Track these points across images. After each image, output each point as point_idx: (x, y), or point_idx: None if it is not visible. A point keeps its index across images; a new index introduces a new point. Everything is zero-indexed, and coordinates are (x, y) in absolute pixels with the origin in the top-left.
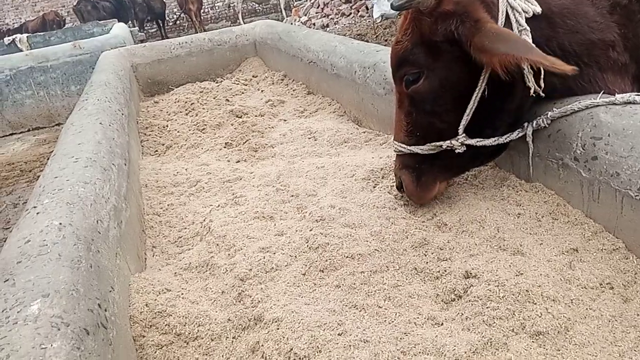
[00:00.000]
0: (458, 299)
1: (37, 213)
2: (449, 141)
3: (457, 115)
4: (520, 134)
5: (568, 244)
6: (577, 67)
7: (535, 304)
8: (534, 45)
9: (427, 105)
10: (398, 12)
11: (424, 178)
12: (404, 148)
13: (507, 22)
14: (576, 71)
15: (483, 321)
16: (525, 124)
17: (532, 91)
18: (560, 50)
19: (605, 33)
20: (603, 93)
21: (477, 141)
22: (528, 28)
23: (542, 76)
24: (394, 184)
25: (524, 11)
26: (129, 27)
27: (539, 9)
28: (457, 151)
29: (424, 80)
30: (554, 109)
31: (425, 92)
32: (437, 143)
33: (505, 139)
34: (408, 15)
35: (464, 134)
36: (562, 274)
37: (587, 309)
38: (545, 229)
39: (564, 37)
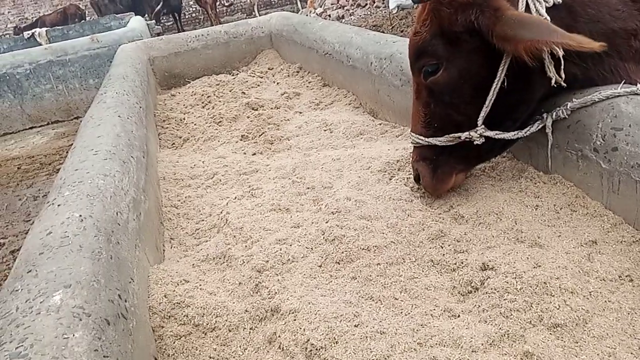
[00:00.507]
0: (475, 291)
1: (58, 205)
2: (467, 133)
3: (476, 107)
4: (540, 126)
5: (587, 236)
6: (599, 57)
7: (553, 296)
8: (556, 27)
9: (446, 96)
10: (417, 3)
11: (441, 170)
12: (422, 140)
13: (527, 11)
14: (605, 47)
15: (500, 313)
16: (545, 115)
17: (553, 81)
18: None
19: (627, 22)
20: (624, 83)
21: (496, 134)
22: (548, 18)
23: (562, 66)
24: (411, 175)
25: (544, 0)
26: (146, 20)
27: None
28: (475, 143)
29: (442, 71)
30: (574, 100)
31: (444, 83)
32: (456, 134)
33: (526, 132)
34: (426, 6)
35: (482, 126)
36: (580, 266)
37: (605, 301)
38: (563, 220)
39: (585, 26)
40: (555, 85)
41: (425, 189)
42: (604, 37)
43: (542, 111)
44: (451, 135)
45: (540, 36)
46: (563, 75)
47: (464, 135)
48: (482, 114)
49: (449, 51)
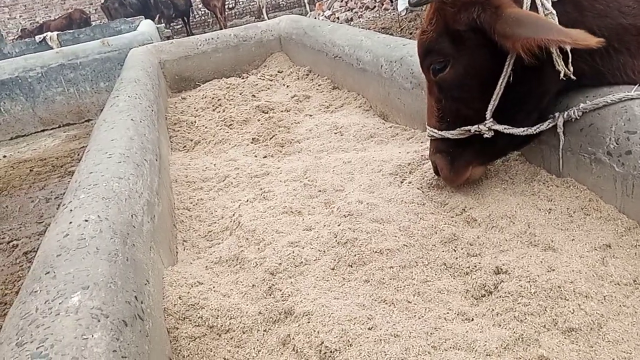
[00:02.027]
0: (488, 295)
1: (75, 208)
2: (476, 126)
3: (485, 101)
4: (551, 125)
5: (601, 240)
6: (607, 53)
7: (568, 300)
8: (556, 24)
9: (455, 92)
10: (413, 7)
11: (457, 162)
12: (436, 133)
13: (533, 7)
14: (602, 43)
15: (514, 317)
16: (557, 114)
17: (562, 75)
18: None
19: (637, 18)
20: (638, 86)
21: (505, 128)
22: (554, 12)
23: (569, 60)
24: (423, 178)
25: None
26: (155, 24)
27: None
28: (485, 136)
29: (449, 68)
30: (587, 101)
31: (452, 80)
32: (466, 128)
33: (535, 130)
34: (432, 5)
35: (491, 119)
36: (594, 270)
37: (620, 305)
38: (577, 224)
39: (592, 21)
40: (564, 79)
41: (444, 180)
42: (613, 33)
43: (554, 112)
44: (462, 128)
45: (537, 34)
46: (572, 69)
47: (473, 128)
48: (490, 108)
49: (455, 49)
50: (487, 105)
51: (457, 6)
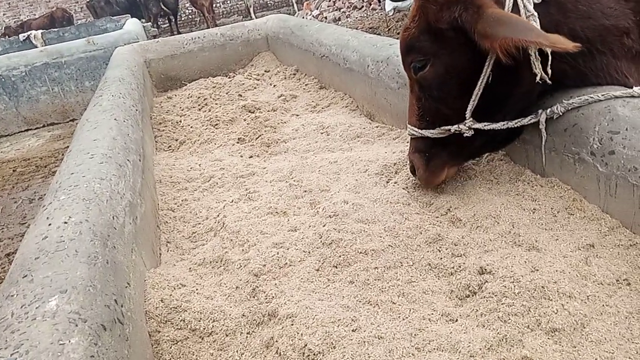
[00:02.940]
0: (473, 295)
1: (54, 209)
2: (457, 125)
3: (464, 101)
4: (533, 120)
5: (584, 240)
6: (590, 53)
7: (551, 300)
8: (536, 27)
9: (434, 91)
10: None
11: (433, 162)
12: (416, 132)
13: (515, 8)
14: (579, 48)
15: (498, 317)
16: (539, 111)
17: (538, 77)
18: (571, 36)
19: (619, 20)
20: (618, 84)
21: (485, 125)
22: (535, 14)
23: (549, 62)
24: (409, 179)
25: None
26: (142, 22)
27: None
28: (465, 135)
29: (430, 67)
30: (570, 98)
31: (432, 78)
32: (446, 127)
33: (516, 123)
34: (417, 2)
35: (471, 119)
36: (578, 269)
37: (603, 305)
38: (561, 224)
39: (575, 22)
40: (540, 82)
41: (419, 180)
42: (596, 34)
43: (534, 106)
44: (442, 127)
45: (515, 34)
46: (549, 72)
47: (453, 128)
48: (470, 107)
49: (436, 47)
50: (466, 105)
51: (439, 4)
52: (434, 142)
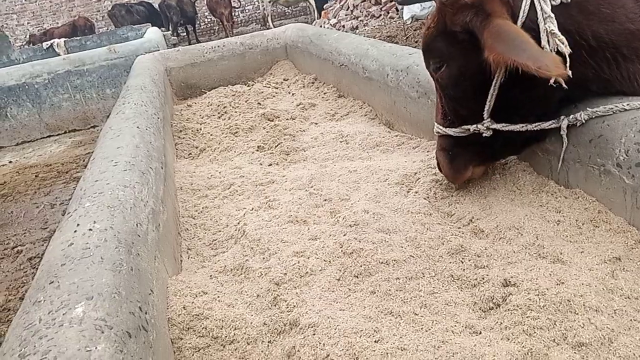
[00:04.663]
0: (496, 308)
1: (79, 216)
2: (475, 125)
3: (480, 102)
4: (554, 125)
5: (610, 253)
6: (614, 60)
7: (577, 314)
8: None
9: (451, 91)
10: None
11: (457, 160)
12: (441, 129)
13: (532, 9)
14: (566, 77)
15: (523, 331)
16: (562, 117)
17: (552, 81)
18: (595, 39)
19: None
20: None
21: (503, 126)
22: (552, 15)
23: (567, 67)
24: (431, 185)
25: None
26: (162, 31)
27: None
28: (484, 135)
29: (445, 68)
30: (594, 107)
31: (448, 79)
32: (466, 126)
33: (535, 126)
34: (437, 5)
35: (489, 119)
36: (604, 283)
37: (631, 320)
38: (586, 236)
39: (598, 25)
40: (555, 85)
41: (445, 178)
42: (622, 38)
43: (555, 111)
44: (462, 127)
45: (507, 52)
46: (568, 76)
47: (472, 127)
48: (487, 108)
49: (450, 49)
50: (483, 106)
51: (455, 8)
52: (457, 140)
